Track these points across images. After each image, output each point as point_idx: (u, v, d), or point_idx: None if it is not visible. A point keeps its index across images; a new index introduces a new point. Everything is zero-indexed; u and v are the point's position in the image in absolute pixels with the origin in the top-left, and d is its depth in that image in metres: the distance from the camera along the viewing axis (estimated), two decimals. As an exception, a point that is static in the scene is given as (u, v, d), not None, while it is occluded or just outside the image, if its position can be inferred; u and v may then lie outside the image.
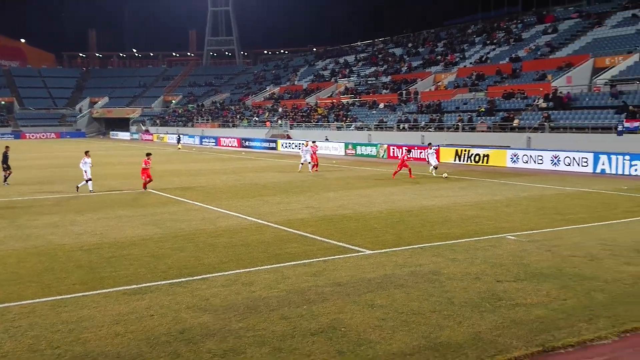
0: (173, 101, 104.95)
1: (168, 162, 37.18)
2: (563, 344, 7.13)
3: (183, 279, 10.17)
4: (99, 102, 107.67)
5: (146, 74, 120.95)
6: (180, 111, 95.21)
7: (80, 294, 9.37)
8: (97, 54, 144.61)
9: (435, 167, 28.35)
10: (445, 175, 27.40)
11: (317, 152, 32.50)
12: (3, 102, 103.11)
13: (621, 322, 7.81)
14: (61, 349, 7.19)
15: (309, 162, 31.30)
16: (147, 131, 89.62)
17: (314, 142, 34.66)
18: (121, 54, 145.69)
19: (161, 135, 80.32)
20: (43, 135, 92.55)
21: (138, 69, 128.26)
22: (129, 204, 19.67)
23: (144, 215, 17.25)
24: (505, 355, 6.80)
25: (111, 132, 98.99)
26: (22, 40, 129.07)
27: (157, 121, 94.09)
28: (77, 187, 22.84)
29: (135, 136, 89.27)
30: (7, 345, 7.31)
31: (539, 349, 6.98)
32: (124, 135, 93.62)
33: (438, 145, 34.67)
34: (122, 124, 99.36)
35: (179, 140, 62.95)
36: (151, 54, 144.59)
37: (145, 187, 23.36)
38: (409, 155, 28.84)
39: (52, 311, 8.56)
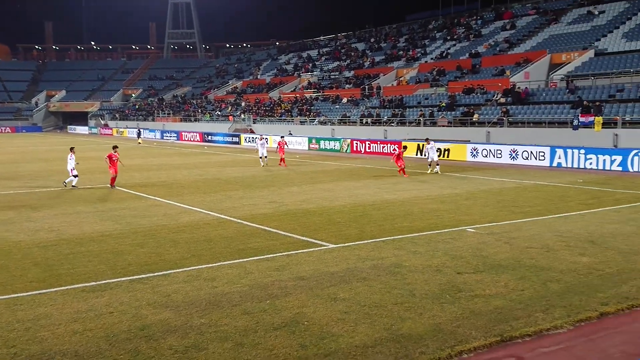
0: (133, 95, 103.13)
1: (128, 157, 36.47)
2: (520, 333, 7.30)
3: (143, 276, 10.03)
4: (56, 96, 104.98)
5: (105, 67, 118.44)
6: (140, 105, 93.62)
7: (37, 292, 9.15)
8: (53, 47, 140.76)
9: (437, 163, 26.93)
10: (436, 170, 26.68)
11: (283, 147, 32.30)
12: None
13: (576, 312, 8.04)
14: (17, 347, 7.01)
15: (265, 157, 31.37)
16: (106, 125, 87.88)
17: (282, 137, 34.73)
18: (79, 47, 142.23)
19: (121, 130, 78.85)
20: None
21: (97, 62, 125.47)
22: (88, 200, 19.27)
23: (103, 211, 16.92)
24: (464, 345, 6.93)
25: (69, 127, 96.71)
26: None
27: (117, 115, 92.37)
28: (65, 183, 22.77)
29: (94, 130, 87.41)
30: (-40, 346, 7.08)
31: (497, 338, 7.14)
32: (82, 129, 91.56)
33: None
34: (80, 118, 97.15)
35: (139, 134, 61.91)
36: (110, 47, 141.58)
37: (113, 184, 22.34)
38: (402, 151, 27.12)
39: (8, 310, 8.33)
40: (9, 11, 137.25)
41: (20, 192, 21.23)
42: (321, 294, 8.91)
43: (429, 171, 26.83)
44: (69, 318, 7.97)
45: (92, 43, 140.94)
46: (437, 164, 26.91)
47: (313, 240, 12.73)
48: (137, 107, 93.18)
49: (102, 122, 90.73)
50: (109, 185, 22.46)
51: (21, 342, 7.19)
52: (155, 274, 10.15)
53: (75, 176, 22.38)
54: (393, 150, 28.15)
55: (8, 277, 10.02)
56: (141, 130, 66.14)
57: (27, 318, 7.99)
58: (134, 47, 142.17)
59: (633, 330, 7.51)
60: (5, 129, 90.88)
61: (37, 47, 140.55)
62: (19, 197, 20.16)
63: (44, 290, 9.23)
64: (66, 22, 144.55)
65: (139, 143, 57.11)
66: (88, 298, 8.84)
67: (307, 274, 10.07)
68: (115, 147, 22.83)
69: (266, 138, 36.23)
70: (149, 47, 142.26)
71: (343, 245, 12.28)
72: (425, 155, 27.83)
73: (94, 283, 9.62)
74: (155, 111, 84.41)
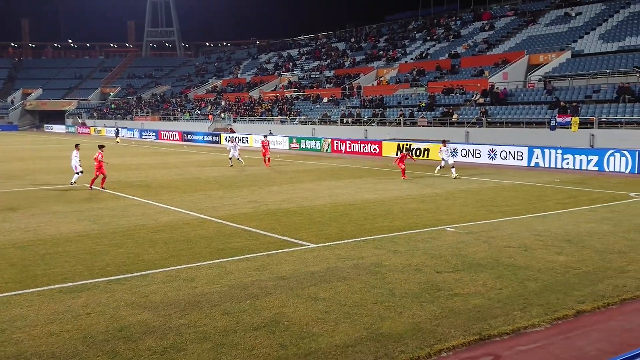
0: (111, 93, 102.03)
1: (106, 156, 36.09)
2: (499, 332, 7.37)
3: (121, 276, 9.92)
4: (33, 94, 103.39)
5: (83, 65, 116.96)
6: (119, 104, 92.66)
7: (13, 293, 9.00)
8: (30, 44, 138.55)
9: (452, 166, 25.24)
10: (454, 176, 24.86)
11: (268, 146, 31.91)
12: None
13: (553, 310, 8.14)
14: (-9, 351, 6.89)
15: (238, 158, 31.03)
16: (83, 124, 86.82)
17: (265, 136, 34.67)
18: (56, 44, 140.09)
19: (99, 128, 77.95)
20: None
21: (74, 60, 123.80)
22: (65, 200, 19.01)
23: (81, 211, 16.71)
24: (443, 344, 6.98)
25: (45, 125, 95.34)
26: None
27: (95, 114, 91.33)
28: (72, 183, 22.56)
29: (71, 129, 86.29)
30: None
31: (476, 337, 7.20)
32: (59, 128, 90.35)
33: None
34: (57, 117, 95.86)
35: (117, 133, 61.27)
36: (88, 45, 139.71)
37: (103, 184, 21.41)
38: (406, 154, 26.08)
39: (-18, 312, 8.19)
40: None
41: (-5, 192, 20.86)
42: (301, 294, 8.90)
43: (436, 172, 26.11)
44: (45, 319, 7.86)
45: (70, 41, 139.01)
46: (453, 167, 25.27)
47: (293, 240, 12.72)
48: (113, 106, 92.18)
49: (80, 120, 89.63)
50: (98, 187, 21.44)
51: (-4, 344, 7.07)
52: (134, 274, 10.05)
53: (78, 173, 22.26)
54: (401, 153, 26.65)
55: (-18, 279, 9.83)
56: (119, 129, 65.48)
57: (2, 319, 7.85)
58: (112, 45, 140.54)
59: (608, 329, 7.63)
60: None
61: (13, 44, 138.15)
62: (-6, 196, 19.81)
63: (20, 292, 9.09)
64: (43, 19, 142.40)
65: (117, 142, 56.51)
66: (65, 299, 8.72)
67: (287, 273, 10.05)
68: (101, 147, 22.07)
69: (238, 140, 36.07)
70: (127, 45, 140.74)
71: (323, 244, 12.28)
72: (442, 158, 25.95)
73: (71, 284, 9.49)
74: (134, 110, 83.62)
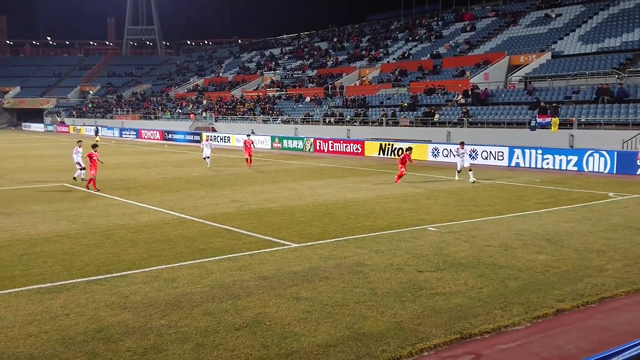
0: (90, 92, 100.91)
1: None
2: (479, 330, 7.41)
3: (101, 277, 9.80)
4: (10, 92, 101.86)
5: (62, 63, 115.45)
6: (98, 102, 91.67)
7: (-11, 295, 8.85)
8: (7, 41, 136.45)
9: (470, 169, 23.65)
10: (471, 180, 23.30)
11: (251, 146, 30.79)
12: None
13: (533, 309, 8.21)
14: (-33, 353, 6.76)
15: (206, 157, 30.31)
16: (62, 123, 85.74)
17: (247, 136, 34.42)
18: (34, 42, 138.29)
19: (78, 127, 77.02)
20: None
21: (53, 58, 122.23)
22: (43, 199, 18.75)
23: (59, 211, 16.49)
24: (425, 343, 7.00)
25: (24, 124, 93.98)
26: None
27: (74, 112, 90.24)
28: (74, 178, 22.90)
29: (50, 128, 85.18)
30: None
31: (457, 336, 7.23)
32: (37, 126, 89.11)
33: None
34: (36, 115, 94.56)
35: (97, 132, 60.61)
36: (67, 42, 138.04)
37: (95, 186, 20.70)
38: (408, 154, 23.68)
39: (-43, 313, 8.03)
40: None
41: (-29, 191, 20.50)
42: (283, 294, 8.87)
43: (456, 177, 24.13)
44: (23, 320, 7.73)
45: (48, 38, 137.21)
46: (470, 170, 23.58)
47: (275, 240, 12.67)
48: (92, 104, 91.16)
49: (59, 119, 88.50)
50: (85, 188, 20.88)
51: (-29, 346, 6.94)
52: (113, 274, 9.93)
53: (83, 169, 22.37)
54: (403, 154, 24.11)
55: (-42, 279, 9.65)
56: (99, 128, 64.77)
57: (-22, 321, 7.71)
58: (91, 43, 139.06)
59: (587, 327, 7.71)
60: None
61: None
62: (-29, 196, 19.47)
63: (-4, 293, 8.93)
64: (21, 16, 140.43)
65: (97, 141, 55.86)
66: (43, 300, 8.59)
67: (269, 273, 10.01)
68: (95, 146, 21.48)
69: (212, 138, 35.54)
70: (107, 43, 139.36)
71: (306, 244, 12.26)
72: (459, 160, 24.39)
73: (49, 284, 9.35)
74: (114, 108, 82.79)
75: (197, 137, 54.16)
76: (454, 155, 26.18)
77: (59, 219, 15.21)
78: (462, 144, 25.06)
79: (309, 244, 12.30)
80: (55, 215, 15.86)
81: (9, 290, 9.03)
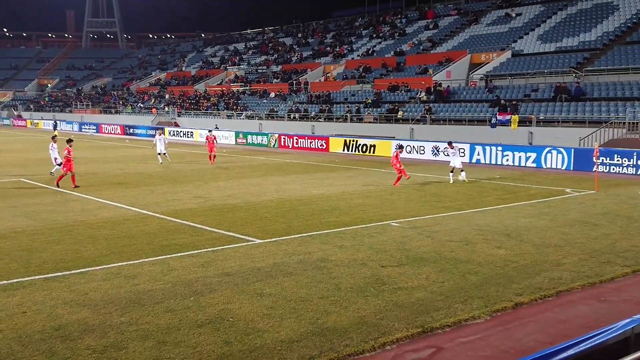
0: (49, 85, 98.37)
1: (43, 149, 34.80)
2: (441, 324, 7.52)
3: (59, 273, 9.59)
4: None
5: (19, 55, 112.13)
6: (57, 95, 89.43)
7: (-59, 293, 8.55)
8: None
9: (462, 170, 22.63)
10: (462, 178, 22.40)
11: (214, 141, 29.49)
12: None
13: (493, 302, 8.38)
14: None
15: (164, 153, 29.03)
16: (19, 116, 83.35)
17: (210, 131, 33.81)
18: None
19: (35, 121, 75.00)
20: None
21: (9, 50, 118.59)
22: (-1, 195, 18.21)
23: (15, 207, 16.05)
24: (387, 337, 7.07)
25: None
26: None
27: (31, 106, 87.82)
28: (52, 173, 22.45)
29: (7, 122, 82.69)
30: None
31: (419, 330, 7.32)
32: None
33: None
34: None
35: (55, 126, 59.14)
36: (24, 34, 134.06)
37: (74, 182, 19.92)
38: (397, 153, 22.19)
39: None
40: None
41: None
42: (247, 290, 8.83)
43: (451, 181, 22.20)
44: (-24, 320, 7.50)
45: (5, 30, 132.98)
46: (462, 170, 22.66)
47: (239, 236, 12.61)
48: (51, 97, 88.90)
49: (15, 113, 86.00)
50: (55, 185, 20.00)
51: None
52: (72, 271, 9.72)
53: (59, 164, 21.64)
54: (396, 151, 22.69)
55: None
56: (57, 122, 63.22)
57: None
58: (50, 35, 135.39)
59: (545, 319, 7.91)
60: None
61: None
62: None
63: (-51, 291, 8.65)
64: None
65: (55, 135, 54.51)
66: (-2, 298, 8.35)
67: (232, 269, 9.95)
68: (69, 141, 20.48)
69: (163, 133, 32.79)
70: (66, 35, 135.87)
71: (270, 240, 12.23)
72: (450, 161, 23.33)
73: (5, 282, 9.10)
74: (73, 102, 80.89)
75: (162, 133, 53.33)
76: (446, 155, 24.67)
77: (16, 215, 14.80)
78: (450, 143, 24.29)
79: (273, 239, 12.27)
80: (12, 211, 15.43)
81: (-38, 289, 8.76)
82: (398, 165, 21.46)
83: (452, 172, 22.72)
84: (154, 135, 30.47)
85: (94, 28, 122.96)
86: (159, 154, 29.04)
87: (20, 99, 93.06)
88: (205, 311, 7.90)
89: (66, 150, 20.08)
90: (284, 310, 7.98)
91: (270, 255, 10.95)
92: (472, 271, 9.96)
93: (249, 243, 12.00)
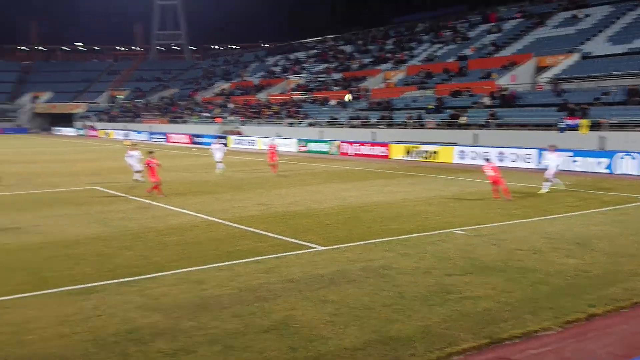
0: (120, 96, 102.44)
1: (114, 159, 36.27)
2: (509, 335, 7.34)
3: (131, 278, 9.96)
4: (42, 97, 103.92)
5: (91, 69, 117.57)
6: (127, 106, 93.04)
7: (24, 295, 9.06)
8: (39, 47, 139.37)
9: (548, 179, 20.74)
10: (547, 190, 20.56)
11: (275, 151, 28.81)
12: None
13: (564, 313, 8.10)
14: (4, 351, 6.94)
15: (220, 162, 28.59)
16: (92, 127, 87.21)
17: (272, 140, 34.20)
18: (65, 48, 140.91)
19: (107, 131, 78.28)
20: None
21: (83, 63, 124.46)
22: (74, 202, 19.09)
23: (90, 214, 16.78)
24: (453, 347, 6.95)
25: (55, 128, 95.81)
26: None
27: (104, 117, 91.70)
28: (136, 180, 22.27)
29: (81, 132, 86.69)
30: (-55, 351, 6.99)
31: (486, 340, 7.17)
32: (68, 131, 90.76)
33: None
34: (66, 120, 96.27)
35: (126, 136, 61.49)
36: (96, 48, 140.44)
37: (159, 191, 20.21)
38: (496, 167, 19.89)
39: (-6, 314, 8.24)
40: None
41: (4, 195, 20.94)
42: (310, 297, 8.90)
43: (547, 189, 20.60)
44: (56, 321, 7.90)
45: (78, 44, 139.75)
46: (549, 180, 20.68)
47: (302, 242, 12.72)
48: (124, 108, 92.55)
49: (89, 123, 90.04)
50: (155, 194, 20.18)
51: (8, 345, 7.12)
52: (144, 276, 10.08)
53: (139, 171, 22.19)
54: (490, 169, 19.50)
55: (-6, 281, 9.90)
56: (128, 132, 65.72)
57: (14, 321, 7.90)
58: (120, 48, 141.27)
59: (620, 332, 7.58)
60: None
61: (22, 47, 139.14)
62: (4, 199, 19.89)
63: (31, 293, 9.14)
64: (52, 23, 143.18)
65: (125, 145, 56.69)
66: (75, 301, 8.76)
67: (296, 276, 10.05)
68: (151, 152, 20.98)
69: (224, 142, 31.77)
70: (135, 48, 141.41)
71: (332, 247, 12.27)
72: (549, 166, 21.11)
73: (80, 286, 9.53)
74: (142, 113, 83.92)
75: (223, 141, 54.61)
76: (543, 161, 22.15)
77: (90, 222, 15.48)
78: (551, 147, 21.70)
79: (335, 246, 12.31)
80: (86, 218, 16.14)
81: (42, 292, 9.24)
82: (497, 182, 19.09)
83: (552, 179, 20.70)
84: (214, 144, 30.65)
85: (161, 40, 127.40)
86: (217, 162, 28.99)
87: (93, 110, 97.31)
88: (270, 317, 8.02)
89: (152, 163, 20.33)
90: (347, 317, 7.99)
91: (333, 262, 10.99)
92: (542, 281, 9.67)
93: (312, 250, 12.08)
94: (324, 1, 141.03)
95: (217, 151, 29.09)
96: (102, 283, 9.71)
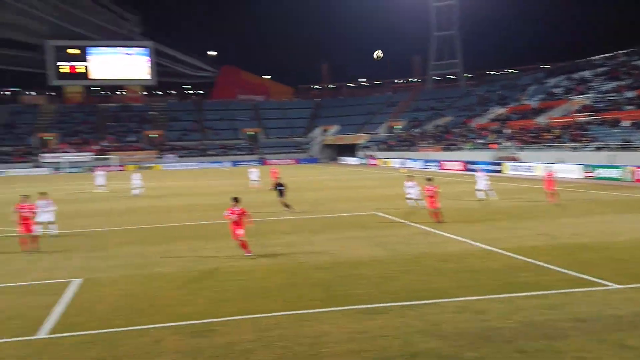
0: (397, 126, 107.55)
1: (392, 185, 38.08)
2: None
3: (412, 302, 10.27)
4: (331, 130, 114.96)
5: (373, 102, 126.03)
6: (404, 136, 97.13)
7: (319, 310, 10.02)
8: (328, 86, 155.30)
9: None
10: None
11: (552, 177, 26.73)
12: (252, 133, 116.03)
13: None
14: (303, 361, 7.75)
15: (487, 191, 27.18)
16: (372, 156, 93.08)
17: (549, 167, 32.13)
18: (350, 84, 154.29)
19: (385, 160, 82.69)
20: (282, 162, 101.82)
21: (365, 97, 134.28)
22: (357, 226, 20.50)
23: (371, 237, 17.84)
24: None
25: (340, 158, 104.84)
26: (267, 77, 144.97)
27: (382, 146, 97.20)
28: (415, 204, 24.80)
29: (363, 161, 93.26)
30: (261, 354, 8.11)
31: None
32: (351, 160, 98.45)
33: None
34: (351, 150, 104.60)
35: (402, 164, 64.10)
36: (377, 82, 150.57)
37: (438, 218, 20.52)
38: None
39: (296, 324, 9.29)
40: (292, 57, 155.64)
41: (300, 218, 23.52)
42: (606, 339, 8.05)
43: None
44: (346, 337, 8.55)
45: (362, 80, 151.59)
46: None
47: (591, 278, 11.61)
48: (399, 138, 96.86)
49: (369, 153, 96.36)
50: (435, 220, 20.62)
51: (305, 356, 7.94)
52: (424, 301, 10.31)
53: (409, 199, 24.95)
54: None
55: (294, 295, 11.18)
56: (404, 160, 68.43)
57: (311, 334, 8.80)
58: (398, 81, 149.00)
59: None
60: (288, 161, 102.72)
61: (314, 87, 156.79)
62: (300, 222, 22.35)
63: (325, 309, 10.06)
64: (339, 63, 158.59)
65: (402, 172, 59.14)
66: (363, 319, 9.38)
67: (585, 315, 9.21)
68: (429, 180, 21.38)
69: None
70: (412, 80, 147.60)
71: (629, 286, 10.94)
72: None
73: (366, 306, 10.17)
74: (418, 141, 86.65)
75: (498, 167, 53.16)
76: None
77: (372, 245, 16.47)
78: None
79: (633, 285, 10.95)
80: (369, 240, 17.21)
81: (334, 309, 10.11)
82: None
83: None
84: (480, 171, 29.93)
85: (437, 71, 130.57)
86: (478, 190, 28.06)
87: (374, 141, 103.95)
88: (559, 357, 7.48)
89: (429, 191, 20.83)
90: (652, 368, 7.02)
91: (631, 303, 9.79)
92: None
93: (605, 287, 10.94)
94: (608, 15, 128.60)
95: (481, 179, 28.34)
96: (385, 304, 10.21)
